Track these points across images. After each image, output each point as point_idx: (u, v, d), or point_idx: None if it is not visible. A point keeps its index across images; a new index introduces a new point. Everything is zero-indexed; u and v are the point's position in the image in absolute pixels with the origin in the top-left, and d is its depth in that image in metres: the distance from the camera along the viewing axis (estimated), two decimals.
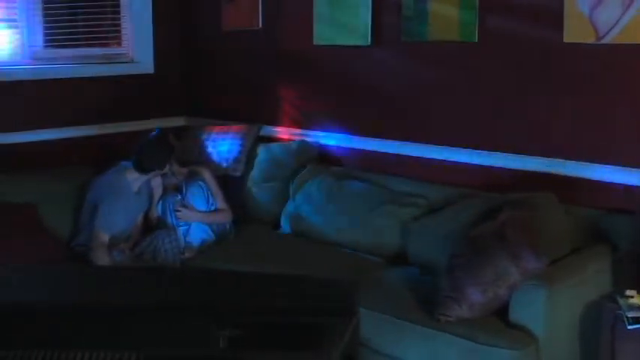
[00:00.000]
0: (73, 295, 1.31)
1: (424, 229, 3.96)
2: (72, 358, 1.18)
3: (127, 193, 4.33)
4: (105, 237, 4.20)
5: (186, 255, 4.25)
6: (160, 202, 4.44)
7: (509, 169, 4.02)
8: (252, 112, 5.17)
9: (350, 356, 1.17)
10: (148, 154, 4.31)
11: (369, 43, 4.46)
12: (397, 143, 4.42)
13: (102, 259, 4.11)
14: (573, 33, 3.71)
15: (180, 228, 4.32)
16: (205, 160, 4.79)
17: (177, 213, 4.35)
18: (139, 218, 4.45)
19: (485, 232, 3.43)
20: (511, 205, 3.55)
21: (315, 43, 4.74)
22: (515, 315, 3.21)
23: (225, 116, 5.25)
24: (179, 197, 4.40)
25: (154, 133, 4.48)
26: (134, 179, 4.35)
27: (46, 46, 5.41)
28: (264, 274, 2.20)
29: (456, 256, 3.43)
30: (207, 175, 4.54)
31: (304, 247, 4.24)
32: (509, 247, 3.29)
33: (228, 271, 3.23)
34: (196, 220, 4.39)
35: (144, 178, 4.35)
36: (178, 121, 5.66)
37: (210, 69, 5.54)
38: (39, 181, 4.54)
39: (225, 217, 4.52)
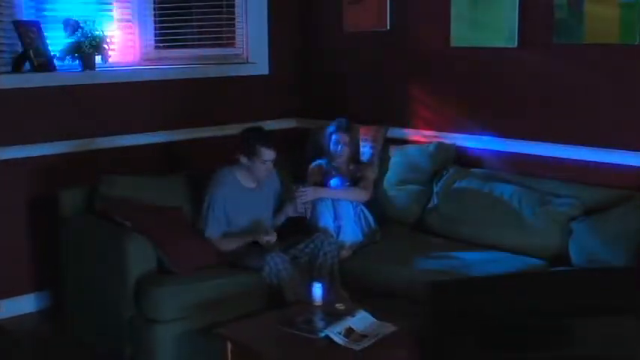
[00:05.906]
0: None
1: (588, 230, 3.92)
2: None
3: (239, 189, 4.25)
4: (216, 235, 4.16)
5: (343, 254, 4.20)
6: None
7: None
8: (375, 113, 5.12)
9: None
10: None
11: (515, 45, 4.42)
12: (544, 145, 4.37)
13: (226, 246, 4.13)
14: None
15: (332, 228, 4.29)
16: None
17: (300, 195, 4.30)
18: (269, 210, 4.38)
19: None
20: None
21: (452, 44, 4.70)
22: None
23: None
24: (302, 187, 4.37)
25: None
26: (243, 175, 4.26)
27: (158, 47, 5.31)
28: None
29: None
30: (368, 171, 4.60)
31: (456, 248, 4.21)
32: None
33: None
34: (325, 195, 4.37)
35: (260, 170, 4.22)
36: (289, 123, 5.61)
37: (329, 71, 5.49)
38: (174, 183, 4.48)
39: (357, 195, 4.47)
